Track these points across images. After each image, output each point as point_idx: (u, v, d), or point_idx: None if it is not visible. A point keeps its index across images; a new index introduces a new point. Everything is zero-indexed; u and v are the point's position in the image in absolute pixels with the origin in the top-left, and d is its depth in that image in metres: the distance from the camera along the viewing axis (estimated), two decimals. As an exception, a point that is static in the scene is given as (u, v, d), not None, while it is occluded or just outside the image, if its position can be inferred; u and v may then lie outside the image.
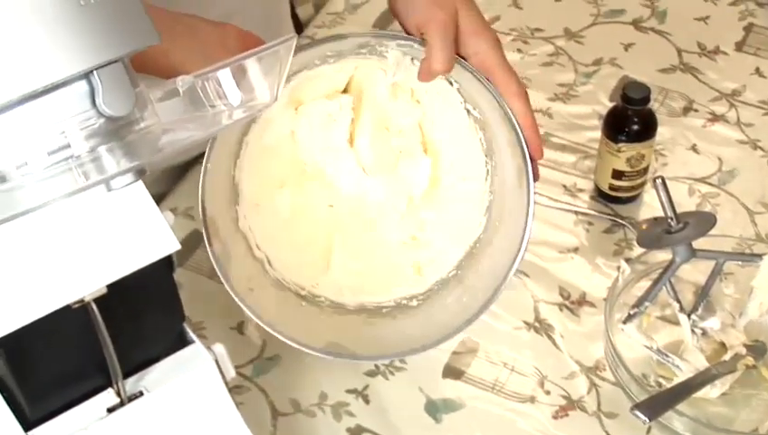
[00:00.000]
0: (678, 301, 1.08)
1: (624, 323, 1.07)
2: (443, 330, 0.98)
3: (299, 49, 0.94)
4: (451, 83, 1.02)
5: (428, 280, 1.06)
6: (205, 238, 0.93)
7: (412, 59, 1.01)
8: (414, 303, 1.04)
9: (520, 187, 0.98)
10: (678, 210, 1.24)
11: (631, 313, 1.08)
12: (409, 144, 1.07)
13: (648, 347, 1.07)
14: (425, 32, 0.95)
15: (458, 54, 0.97)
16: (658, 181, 1.06)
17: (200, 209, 0.94)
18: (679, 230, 1.06)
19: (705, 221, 1.07)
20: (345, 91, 1.05)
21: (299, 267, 1.02)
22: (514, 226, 0.99)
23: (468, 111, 1.04)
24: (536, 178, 0.98)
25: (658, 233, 1.08)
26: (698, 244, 1.08)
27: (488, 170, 1.05)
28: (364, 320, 1.03)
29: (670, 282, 1.08)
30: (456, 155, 1.07)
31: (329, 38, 0.97)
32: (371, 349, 1.01)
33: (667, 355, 1.06)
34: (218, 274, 0.93)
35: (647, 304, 1.07)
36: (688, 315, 1.09)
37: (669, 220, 1.06)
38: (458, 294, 1.03)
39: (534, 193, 0.97)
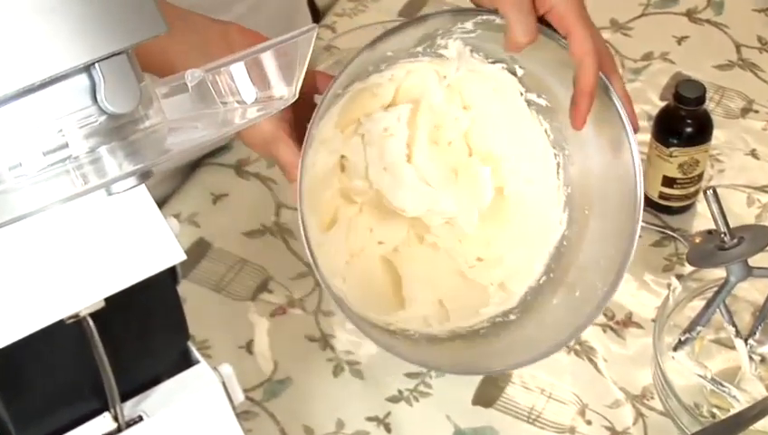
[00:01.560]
0: (734, 325, 1.08)
1: (675, 350, 1.07)
2: (566, 327, 1.00)
3: (375, 41, 0.95)
4: (515, 73, 1.04)
5: (517, 293, 1.07)
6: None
7: (471, 50, 1.03)
8: (512, 317, 1.05)
9: (616, 158, 0.99)
10: (735, 222, 1.24)
11: (682, 338, 1.07)
12: (461, 156, 1.08)
13: (701, 376, 1.07)
14: (498, 6, 0.98)
15: (540, 16, 0.98)
16: (709, 192, 1.05)
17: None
18: (734, 246, 1.06)
19: (762, 235, 1.07)
20: (393, 103, 1.06)
21: (374, 305, 1.03)
22: (618, 202, 1.00)
23: (530, 103, 1.06)
24: (636, 128, 1.02)
25: (711, 249, 1.08)
26: (755, 260, 1.07)
27: (559, 163, 1.06)
28: (462, 346, 1.04)
29: (724, 303, 1.07)
30: (517, 158, 1.08)
31: (408, 23, 0.98)
32: (491, 364, 1.03)
33: (722, 385, 1.06)
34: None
35: (699, 328, 1.07)
36: (745, 340, 1.08)
37: (722, 235, 1.06)
38: (564, 294, 1.04)
39: (639, 159, 1.01)
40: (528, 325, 1.04)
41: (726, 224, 1.06)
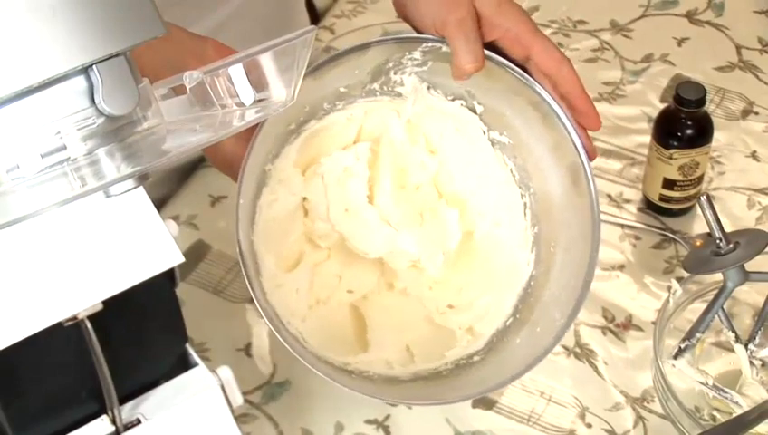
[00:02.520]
0: (734, 330, 1.08)
1: (675, 357, 1.07)
2: (524, 360, 0.99)
3: (317, 67, 0.95)
4: (474, 110, 1.04)
5: (485, 335, 1.05)
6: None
7: (428, 87, 1.04)
8: (476, 358, 1.04)
9: (575, 186, 0.99)
10: (736, 224, 1.25)
11: (682, 346, 1.07)
12: (429, 199, 1.08)
13: (702, 383, 1.07)
14: (445, 35, 0.96)
15: (488, 42, 0.98)
16: (703, 199, 1.05)
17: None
18: (730, 251, 1.06)
19: (758, 240, 1.07)
20: (355, 142, 1.06)
21: (335, 347, 1.02)
22: (579, 231, 1.00)
23: (493, 142, 1.06)
24: (592, 156, 0.99)
25: (707, 255, 1.08)
26: (753, 264, 1.07)
27: (525, 203, 1.06)
28: (423, 386, 1.03)
29: (723, 309, 1.07)
30: (485, 201, 1.08)
31: (350, 50, 0.97)
32: (446, 396, 1.02)
33: (724, 391, 1.06)
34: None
35: (698, 335, 1.07)
36: (745, 345, 1.08)
37: (718, 241, 1.06)
38: (526, 332, 1.03)
39: (596, 186, 0.99)
40: (490, 364, 1.03)
41: (722, 229, 1.06)
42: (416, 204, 1.07)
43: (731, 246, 1.06)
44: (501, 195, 1.07)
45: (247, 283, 0.91)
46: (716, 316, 1.07)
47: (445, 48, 0.98)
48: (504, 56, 0.98)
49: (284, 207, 1.02)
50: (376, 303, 1.07)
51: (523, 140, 1.04)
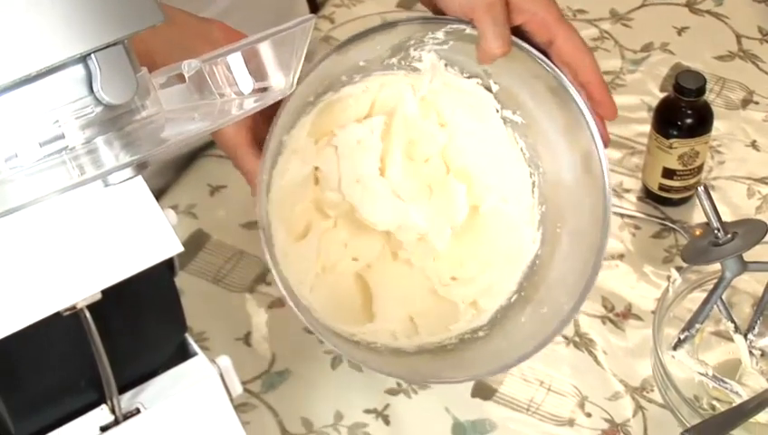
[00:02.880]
0: (733, 320, 1.08)
1: (674, 348, 1.07)
2: (531, 342, 1.00)
3: (343, 45, 0.95)
4: (490, 89, 1.04)
5: (488, 311, 1.06)
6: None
7: (446, 64, 1.04)
8: (480, 334, 1.05)
9: (587, 172, 1.00)
10: (736, 214, 1.25)
11: (681, 337, 1.07)
12: (437, 173, 1.08)
13: (702, 374, 1.07)
14: (473, 18, 0.97)
15: (514, 26, 0.98)
16: (701, 189, 1.05)
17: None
18: (728, 242, 1.06)
19: (756, 229, 1.07)
20: (368, 115, 1.06)
21: (342, 317, 1.02)
22: (588, 217, 1.00)
23: (506, 120, 1.06)
24: (606, 143, 1.00)
25: (705, 246, 1.07)
26: (751, 254, 1.07)
27: (534, 182, 1.06)
28: (429, 359, 1.03)
29: (722, 299, 1.07)
30: (492, 176, 1.08)
31: (376, 28, 0.98)
32: (454, 373, 1.03)
33: (724, 381, 1.06)
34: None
35: (697, 326, 1.07)
36: (745, 335, 1.08)
37: (716, 232, 1.06)
38: (531, 311, 1.04)
39: (608, 173, 1.00)
40: (495, 341, 1.03)
41: (719, 220, 1.05)
42: (424, 177, 1.08)
43: (729, 236, 1.06)
44: (510, 171, 1.07)
45: (267, 256, 0.91)
46: (715, 307, 1.07)
47: (469, 30, 0.98)
48: (528, 41, 0.99)
49: (296, 176, 1.02)
50: (380, 272, 1.07)
51: (536, 120, 1.04)
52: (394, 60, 1.03)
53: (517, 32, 0.99)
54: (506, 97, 1.05)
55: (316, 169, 1.04)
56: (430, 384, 1.10)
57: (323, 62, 0.93)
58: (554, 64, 0.99)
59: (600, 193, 1.00)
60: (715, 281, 1.08)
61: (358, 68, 1.02)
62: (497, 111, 1.06)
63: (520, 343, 1.00)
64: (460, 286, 1.07)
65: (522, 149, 1.06)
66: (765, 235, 1.06)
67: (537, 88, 1.02)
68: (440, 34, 1.01)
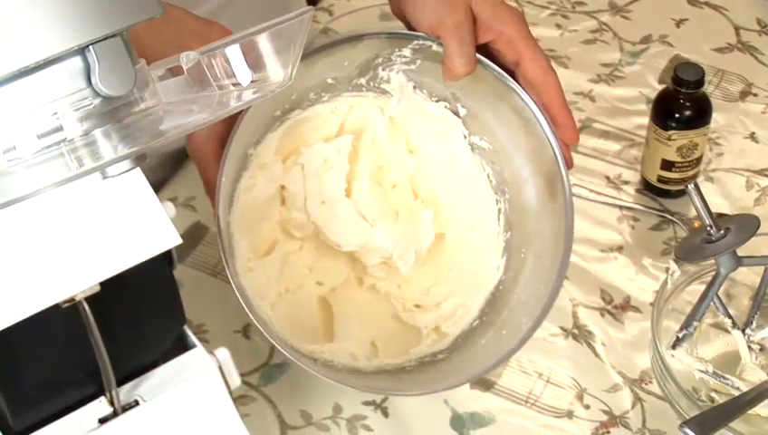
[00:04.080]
0: (730, 316, 1.08)
1: (673, 347, 1.07)
2: (489, 359, 1.00)
3: (308, 54, 0.95)
4: (457, 113, 1.05)
5: (450, 335, 1.06)
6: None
7: (414, 86, 1.04)
8: (440, 356, 1.05)
9: (552, 194, 1.00)
10: (734, 206, 1.25)
11: (680, 335, 1.07)
12: (404, 199, 1.09)
13: (703, 371, 1.06)
14: (440, 35, 0.97)
15: (482, 44, 0.99)
16: (691, 186, 1.05)
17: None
18: (721, 238, 1.06)
19: (748, 224, 1.07)
20: (336, 136, 1.07)
21: (301, 335, 1.02)
22: (551, 239, 1.01)
23: (473, 147, 1.07)
24: (570, 165, 1.01)
25: (698, 243, 1.07)
26: (749, 246, 1.06)
27: (500, 209, 1.07)
28: (386, 378, 1.03)
29: (718, 296, 1.07)
30: (459, 204, 1.09)
31: (342, 40, 0.98)
32: (407, 389, 1.03)
33: (725, 378, 1.05)
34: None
35: (695, 324, 1.07)
36: (743, 330, 1.08)
37: (708, 228, 1.06)
38: (492, 333, 1.04)
39: (572, 195, 1.00)
40: (454, 362, 1.04)
41: (711, 216, 1.05)
42: (391, 202, 1.08)
43: (722, 232, 1.05)
44: (476, 199, 1.08)
45: (224, 262, 0.92)
46: (712, 304, 1.07)
47: (435, 47, 0.99)
48: (495, 60, 1.00)
49: (262, 194, 1.02)
50: (345, 296, 1.07)
51: (502, 146, 1.05)
52: (363, 80, 1.04)
53: (485, 50, 0.99)
54: (474, 121, 1.06)
55: (282, 188, 1.04)
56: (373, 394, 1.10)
57: None
58: (520, 85, 0.99)
59: (562, 214, 1.00)
60: (714, 273, 1.08)
61: (326, 86, 1.02)
62: (465, 138, 1.07)
63: (477, 362, 1.01)
64: (424, 313, 1.07)
65: (489, 176, 1.07)
66: (758, 229, 1.06)
67: (503, 110, 1.02)
68: (407, 52, 1.01)
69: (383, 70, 1.03)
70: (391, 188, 1.08)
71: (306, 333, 1.04)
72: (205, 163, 0.95)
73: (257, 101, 0.62)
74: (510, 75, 1.00)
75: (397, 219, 1.08)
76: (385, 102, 1.06)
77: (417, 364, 1.04)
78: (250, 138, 0.99)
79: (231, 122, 0.92)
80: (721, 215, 1.24)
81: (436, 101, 1.06)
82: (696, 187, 1.05)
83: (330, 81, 1.02)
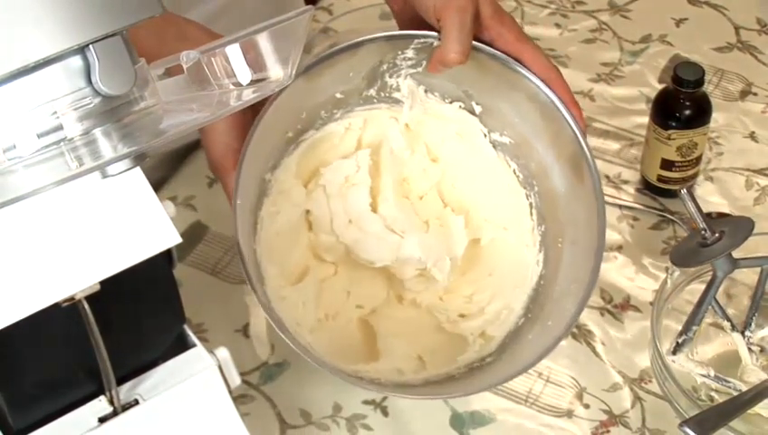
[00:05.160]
0: (729, 319, 1.08)
1: (674, 353, 1.07)
2: (535, 353, 0.98)
3: (309, 67, 0.94)
4: (473, 112, 1.04)
5: (497, 339, 1.04)
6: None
7: (425, 90, 1.03)
8: (488, 359, 1.03)
9: (577, 176, 0.99)
10: (734, 205, 1.25)
11: (679, 341, 1.07)
12: (434, 208, 1.08)
13: (704, 376, 1.06)
14: (441, 18, 0.96)
15: (479, 40, 0.98)
16: (683, 192, 1.05)
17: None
18: (716, 241, 1.05)
19: (742, 226, 1.07)
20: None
21: (344, 357, 1.01)
22: (584, 221, 0.99)
23: (495, 144, 1.05)
24: (584, 127, 1.00)
25: (693, 247, 1.07)
26: (748, 244, 1.06)
27: (531, 203, 1.06)
28: (435, 388, 1.02)
29: (716, 300, 1.07)
30: (490, 206, 1.07)
31: (340, 49, 0.96)
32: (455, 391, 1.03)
33: (727, 381, 1.05)
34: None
35: (694, 328, 1.07)
36: (742, 332, 1.08)
37: (703, 232, 1.05)
38: (539, 328, 1.02)
39: (598, 172, 0.99)
40: (502, 362, 1.02)
41: (705, 220, 1.05)
42: (420, 213, 1.07)
43: (716, 235, 1.05)
44: (506, 198, 1.06)
45: (253, 292, 0.90)
46: (710, 306, 1.07)
47: (436, 43, 0.97)
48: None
49: (287, 221, 1.01)
50: (386, 315, 1.06)
51: (523, 137, 1.03)
52: (372, 91, 1.03)
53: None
54: (491, 117, 1.05)
55: (307, 212, 1.04)
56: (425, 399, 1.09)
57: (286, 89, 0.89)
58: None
59: (591, 193, 0.99)
60: (710, 276, 1.08)
61: (336, 101, 1.01)
62: (485, 136, 1.06)
63: (526, 357, 0.99)
64: (468, 321, 1.06)
65: (515, 172, 1.06)
66: (752, 231, 1.06)
67: (517, 99, 1.01)
68: (411, 53, 1.00)
69: (390, 77, 1.02)
70: (419, 199, 1.07)
71: (349, 354, 1.02)
72: (226, 177, 0.93)
73: (257, 99, 0.62)
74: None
75: (427, 229, 1.06)
76: (399, 112, 1.05)
77: (466, 371, 1.02)
78: (265, 162, 0.98)
79: (246, 134, 0.91)
80: (721, 214, 1.25)
81: (450, 102, 1.05)
82: (689, 192, 1.05)
83: (339, 95, 1.01)
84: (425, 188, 1.07)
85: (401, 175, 1.07)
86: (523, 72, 0.98)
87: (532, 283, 1.05)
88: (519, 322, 1.04)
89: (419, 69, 1.01)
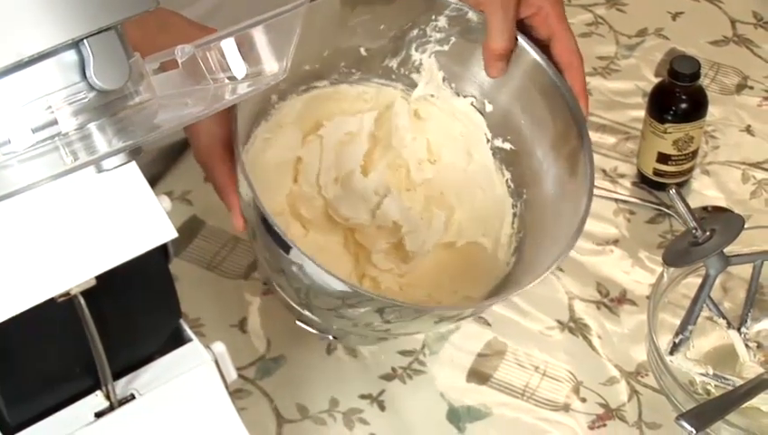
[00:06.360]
0: (724, 316, 1.08)
1: (671, 353, 1.06)
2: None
3: None
4: (483, 111, 1.04)
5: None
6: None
7: (443, 78, 1.04)
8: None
9: (572, 176, 0.99)
10: (731, 199, 1.25)
11: (676, 341, 1.07)
12: (419, 201, 1.08)
13: (703, 374, 1.06)
14: (484, 8, 0.98)
15: (519, 19, 0.99)
16: (672, 192, 1.05)
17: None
18: (707, 240, 1.05)
19: (732, 224, 1.07)
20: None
21: None
22: (569, 216, 0.99)
23: (494, 152, 1.07)
24: (586, 115, 1.01)
25: (685, 247, 1.07)
26: (739, 241, 1.06)
27: (515, 213, 1.06)
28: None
29: (710, 298, 1.07)
30: (473, 215, 1.08)
31: None
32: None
33: (725, 378, 1.05)
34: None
35: (690, 327, 1.07)
36: (738, 329, 1.08)
37: (693, 231, 1.05)
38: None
39: (592, 162, 0.99)
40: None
41: (695, 219, 1.05)
42: (405, 201, 1.08)
43: (707, 234, 1.05)
44: (491, 209, 1.07)
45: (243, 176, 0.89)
46: (705, 304, 1.07)
47: (471, 14, 0.98)
48: (528, 35, 1.01)
49: (277, 158, 1.02)
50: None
51: (525, 144, 1.04)
52: (394, 63, 1.03)
53: (520, 24, 0.99)
54: (499, 119, 1.06)
55: (298, 161, 1.04)
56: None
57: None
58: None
59: (585, 187, 0.99)
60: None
61: (358, 59, 1.02)
62: (488, 141, 1.06)
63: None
64: None
65: (507, 181, 1.07)
66: (743, 227, 1.05)
67: (531, 95, 1.02)
68: (443, 21, 1.01)
69: (416, 50, 1.03)
70: (406, 191, 1.08)
71: None
72: (213, 168, 0.94)
73: (252, 93, 0.62)
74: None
75: (410, 208, 1.07)
76: (412, 94, 1.06)
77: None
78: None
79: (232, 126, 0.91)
80: (717, 208, 1.25)
81: (464, 97, 1.05)
82: (678, 192, 1.05)
83: (363, 52, 1.01)
84: (415, 182, 1.08)
85: (398, 157, 1.07)
86: (541, 60, 0.99)
87: (497, 280, 1.06)
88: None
89: (446, 47, 1.02)
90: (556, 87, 1.00)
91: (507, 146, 1.06)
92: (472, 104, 1.06)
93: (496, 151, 1.07)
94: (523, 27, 1.00)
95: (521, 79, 1.02)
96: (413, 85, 1.05)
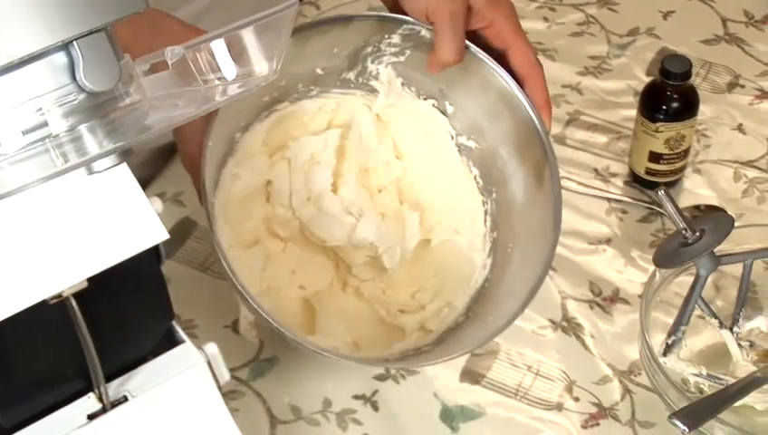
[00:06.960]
0: (716, 316, 1.08)
1: (664, 354, 1.06)
2: (472, 344, 1.01)
3: (298, 29, 0.95)
4: (445, 112, 1.04)
5: (435, 333, 1.06)
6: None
7: (402, 83, 1.05)
8: (425, 349, 1.04)
9: (539, 185, 1.00)
10: (722, 197, 1.25)
11: (669, 342, 1.07)
12: (391, 203, 1.09)
13: (696, 375, 1.06)
14: (434, 21, 0.98)
15: (470, 31, 0.99)
16: (661, 193, 1.04)
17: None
18: (697, 240, 1.05)
19: (723, 223, 1.06)
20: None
21: (284, 322, 1.00)
22: (540, 225, 1.00)
23: (460, 148, 1.07)
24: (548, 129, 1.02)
25: (675, 247, 1.07)
26: (730, 240, 1.06)
27: (486, 210, 1.07)
28: (368, 367, 1.04)
29: (701, 298, 1.07)
30: (444, 209, 1.09)
31: (333, 19, 0.98)
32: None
33: (719, 378, 1.05)
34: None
35: (683, 328, 1.07)
36: (730, 328, 1.08)
37: (683, 232, 1.05)
38: (479, 324, 1.04)
39: (559, 179, 1.01)
40: (438, 351, 1.04)
41: (684, 220, 1.05)
42: (377, 206, 1.08)
43: (697, 234, 1.05)
44: (462, 203, 1.08)
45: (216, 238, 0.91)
46: (697, 305, 1.07)
47: (424, 32, 0.99)
48: (483, 47, 1.01)
49: (247, 187, 1.02)
50: (328, 301, 1.07)
51: (489, 143, 1.05)
52: (351, 75, 1.04)
53: (473, 37, 1.00)
54: (461, 118, 1.06)
55: (268, 184, 1.04)
56: (409, 370, 1.10)
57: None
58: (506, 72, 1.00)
59: (552, 204, 1.00)
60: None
61: (315, 78, 1.02)
62: (452, 138, 1.07)
63: (461, 347, 1.02)
64: (408, 316, 1.07)
65: (476, 178, 1.08)
66: (733, 227, 1.05)
67: (489, 101, 1.03)
68: (397, 39, 1.01)
69: (372, 62, 1.03)
70: (378, 192, 1.08)
71: (291, 322, 1.04)
72: (197, 175, 0.94)
73: (242, 95, 0.62)
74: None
75: (383, 219, 1.08)
76: (373, 100, 1.07)
77: (400, 357, 1.04)
78: (237, 121, 0.99)
79: None
80: (710, 207, 1.25)
81: (424, 99, 1.06)
82: (666, 192, 1.04)
83: (319, 71, 1.02)
84: (385, 182, 1.09)
85: (365, 163, 1.08)
86: (500, 72, 0.99)
87: (477, 285, 1.07)
88: (459, 319, 1.06)
89: (401, 58, 1.03)
90: (513, 95, 1.01)
91: (472, 144, 1.07)
92: (433, 105, 1.06)
93: (462, 148, 1.08)
94: (476, 39, 1.01)
95: (478, 87, 1.03)
96: (373, 91, 1.06)
